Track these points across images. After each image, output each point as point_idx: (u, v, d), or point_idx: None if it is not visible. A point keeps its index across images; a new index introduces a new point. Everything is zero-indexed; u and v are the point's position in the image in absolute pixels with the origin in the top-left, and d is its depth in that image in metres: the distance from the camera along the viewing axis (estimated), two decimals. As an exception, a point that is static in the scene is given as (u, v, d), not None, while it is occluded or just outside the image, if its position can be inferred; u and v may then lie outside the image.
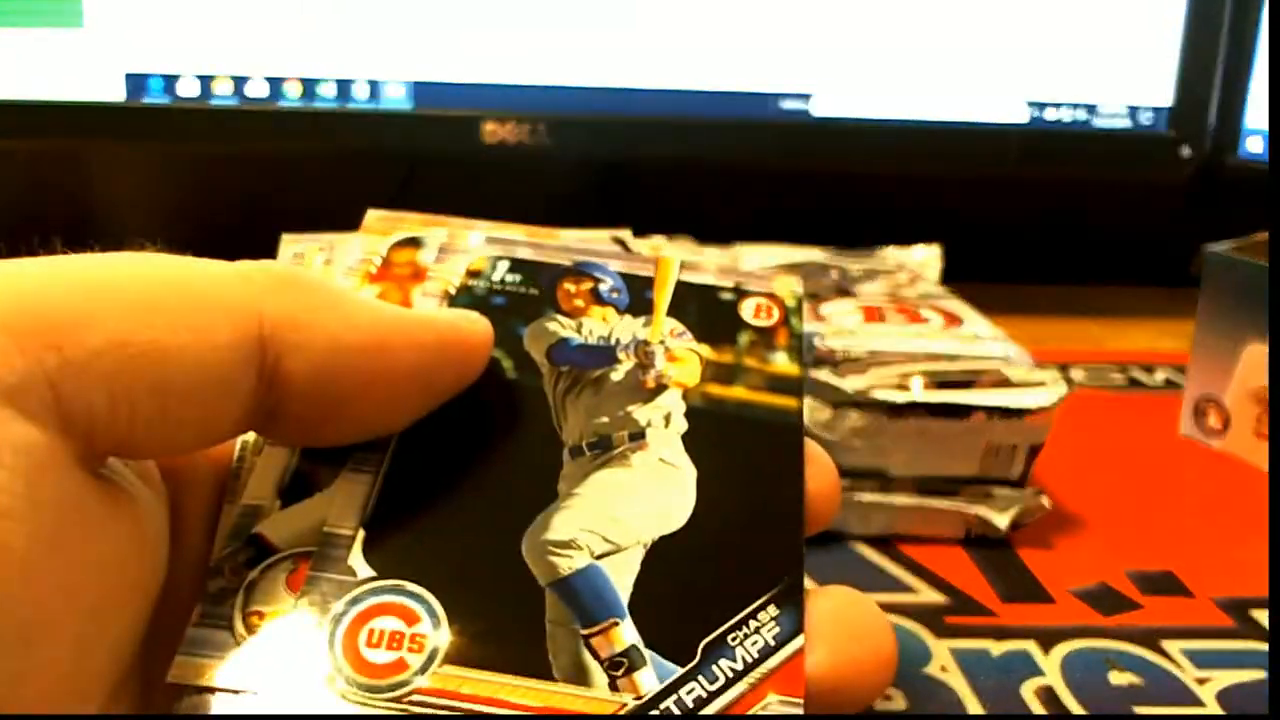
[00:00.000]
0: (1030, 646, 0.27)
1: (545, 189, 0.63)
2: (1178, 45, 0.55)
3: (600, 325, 0.21)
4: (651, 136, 0.55)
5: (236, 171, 0.66)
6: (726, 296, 0.22)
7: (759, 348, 0.21)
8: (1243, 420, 0.40)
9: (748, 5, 0.54)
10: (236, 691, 0.15)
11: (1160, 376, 0.50)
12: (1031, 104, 0.55)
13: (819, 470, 0.19)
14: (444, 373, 0.18)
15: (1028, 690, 0.26)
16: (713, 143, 0.55)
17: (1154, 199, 0.67)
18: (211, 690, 0.15)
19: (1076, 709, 0.25)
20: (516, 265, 0.21)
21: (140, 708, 0.16)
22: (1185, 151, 0.56)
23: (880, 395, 0.32)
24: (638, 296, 0.21)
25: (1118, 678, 0.26)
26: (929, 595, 0.30)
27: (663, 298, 0.21)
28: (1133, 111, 0.56)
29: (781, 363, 0.21)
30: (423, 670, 0.16)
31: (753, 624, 0.17)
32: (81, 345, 0.14)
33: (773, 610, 0.17)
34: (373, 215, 0.22)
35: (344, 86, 0.53)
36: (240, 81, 0.53)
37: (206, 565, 0.17)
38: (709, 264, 0.22)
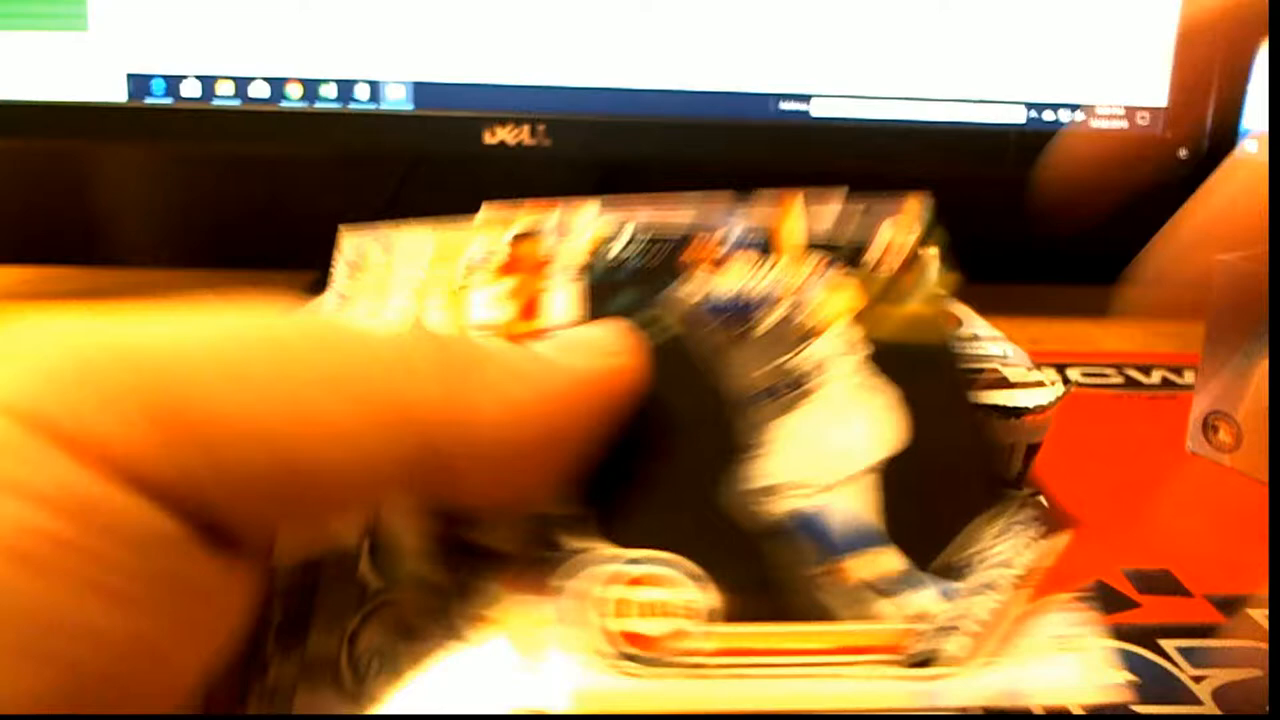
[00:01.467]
0: (1028, 644, 0.28)
1: (545, 190, 0.63)
2: (1174, 47, 0.55)
3: (741, 276, 0.20)
4: (651, 137, 0.55)
5: (238, 172, 0.66)
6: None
7: (908, 267, 0.20)
8: (1257, 437, 0.38)
9: (747, 6, 0.54)
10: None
11: (1157, 376, 0.50)
12: (1029, 105, 0.55)
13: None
14: (604, 421, 0.17)
15: (1025, 688, 0.26)
16: (712, 143, 0.56)
17: (1150, 200, 0.68)
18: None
19: (1074, 708, 0.25)
20: (640, 229, 0.21)
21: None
22: (1182, 153, 0.56)
23: (879, 395, 0.32)
24: (768, 242, 0.21)
25: (1115, 676, 0.27)
26: (928, 594, 0.30)
27: (797, 235, 0.21)
28: (1129, 113, 0.56)
29: (931, 278, 0.20)
30: (702, 633, 0.15)
31: (1007, 534, 0.16)
32: (234, 451, 0.13)
33: (1018, 516, 0.16)
34: (487, 210, 0.21)
35: (345, 87, 0.54)
36: (242, 82, 0.53)
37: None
38: (828, 210, 0.22)
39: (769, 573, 0.16)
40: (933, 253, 0.21)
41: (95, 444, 0.12)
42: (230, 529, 0.14)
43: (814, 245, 0.20)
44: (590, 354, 0.17)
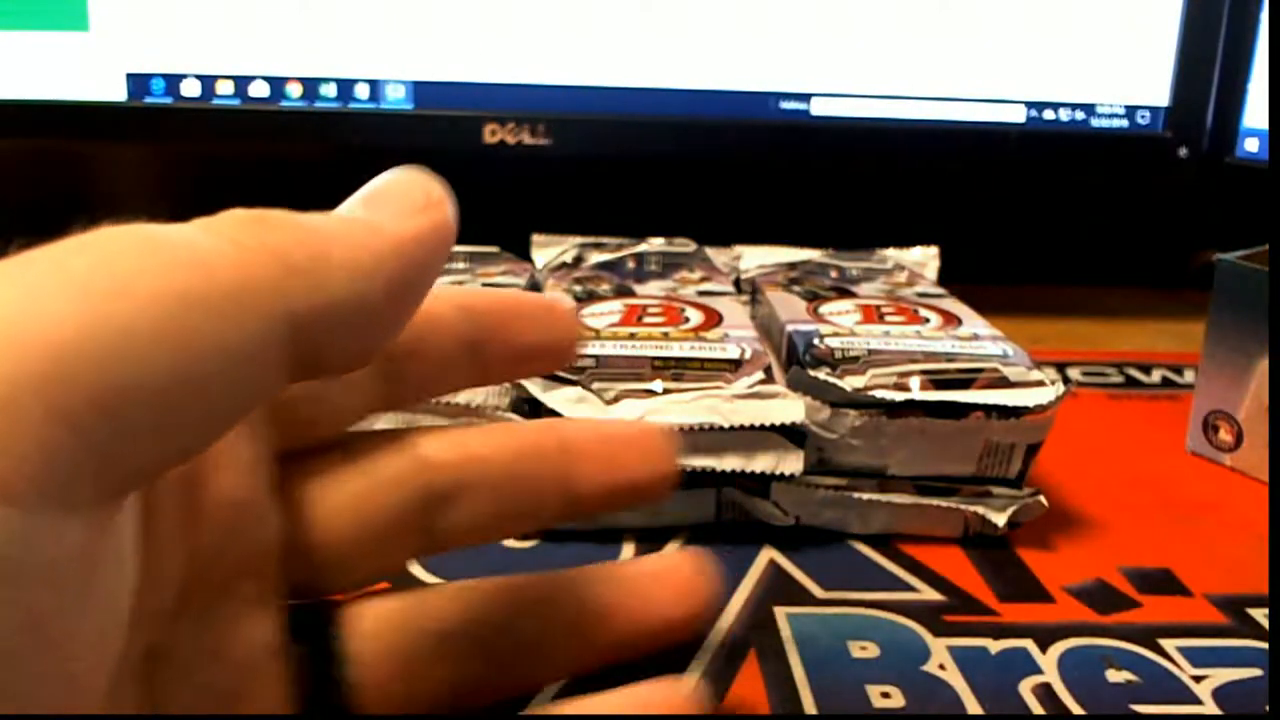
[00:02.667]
0: (1028, 645, 0.28)
1: (545, 189, 0.63)
2: (1175, 46, 0.55)
3: None
4: (652, 136, 0.55)
5: (238, 171, 0.66)
6: None
7: None
8: (1257, 436, 0.38)
9: (748, 5, 0.54)
10: None
11: (1157, 376, 0.50)
12: (1029, 105, 0.55)
13: None
14: (432, 268, 0.18)
15: (1026, 688, 0.26)
16: (713, 143, 0.56)
17: (1151, 200, 0.68)
18: None
19: (1074, 707, 0.25)
20: None
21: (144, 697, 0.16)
22: (1183, 152, 0.56)
23: (879, 395, 0.32)
24: None
25: (1115, 676, 0.27)
26: (928, 594, 0.30)
27: None
28: (1130, 112, 0.56)
29: None
30: None
31: None
32: (125, 404, 0.13)
33: None
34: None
35: (345, 87, 0.53)
36: (242, 82, 0.53)
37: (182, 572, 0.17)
38: None
39: None
40: None
41: None
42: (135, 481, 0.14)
43: None
44: (404, 211, 0.18)
